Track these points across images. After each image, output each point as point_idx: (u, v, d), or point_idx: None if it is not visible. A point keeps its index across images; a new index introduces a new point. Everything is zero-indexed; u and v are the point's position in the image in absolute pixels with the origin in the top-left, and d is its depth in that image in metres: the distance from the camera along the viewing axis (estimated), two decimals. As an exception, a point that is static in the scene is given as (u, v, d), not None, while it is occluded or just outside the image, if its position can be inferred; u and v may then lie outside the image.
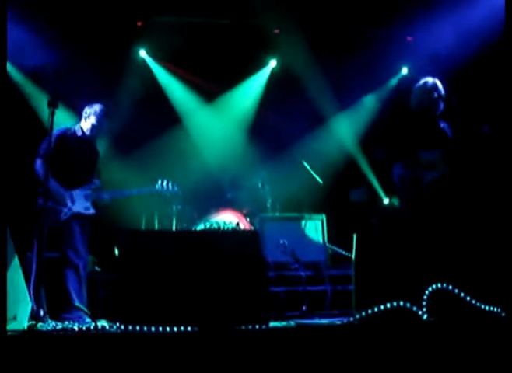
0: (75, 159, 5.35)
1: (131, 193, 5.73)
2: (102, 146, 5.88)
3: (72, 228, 5.14)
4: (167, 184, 5.74)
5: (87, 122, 5.44)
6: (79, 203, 5.24)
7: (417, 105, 5.23)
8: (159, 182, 5.74)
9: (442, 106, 5.17)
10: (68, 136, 5.38)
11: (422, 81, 5.25)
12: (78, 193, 5.27)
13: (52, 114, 4.57)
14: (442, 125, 5.19)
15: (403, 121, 5.25)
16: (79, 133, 5.44)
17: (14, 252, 4.09)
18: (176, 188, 5.79)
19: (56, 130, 5.14)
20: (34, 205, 5.10)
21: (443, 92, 5.14)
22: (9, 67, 7.49)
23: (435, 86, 5.16)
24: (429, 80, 5.22)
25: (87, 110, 5.46)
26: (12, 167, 6.90)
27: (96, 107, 5.46)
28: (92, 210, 5.31)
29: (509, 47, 4.91)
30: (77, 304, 4.90)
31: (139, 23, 7.96)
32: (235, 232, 5.77)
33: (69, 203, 5.17)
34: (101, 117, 5.44)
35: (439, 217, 4.80)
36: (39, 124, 6.99)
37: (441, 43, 7.67)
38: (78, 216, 5.20)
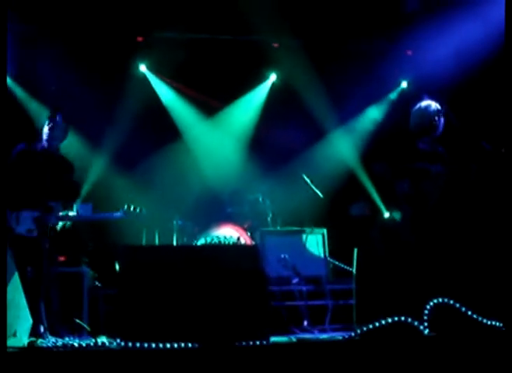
0: (27, 177, 5.03)
1: (93, 217, 5.14)
2: (101, 161, 5.80)
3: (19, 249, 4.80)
4: (134, 210, 5.05)
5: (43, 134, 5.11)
6: (23, 225, 4.91)
7: (416, 127, 5.22)
8: (125, 207, 5.04)
9: (441, 129, 5.18)
10: (26, 151, 5.12)
11: (423, 105, 5.20)
12: (25, 215, 4.93)
13: (53, 126, 4.59)
14: (440, 149, 5.19)
15: (402, 139, 5.27)
16: (39, 147, 5.13)
17: (14, 269, 4.09)
18: (143, 212, 5.09)
19: (18, 145, 5.05)
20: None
21: (441, 111, 5.15)
22: (10, 83, 7.54)
23: (437, 111, 5.14)
24: (432, 104, 5.19)
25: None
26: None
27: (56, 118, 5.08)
28: (31, 231, 4.87)
29: (508, 59, 4.92)
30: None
31: (140, 39, 8.01)
32: (235, 247, 5.76)
33: (13, 225, 4.88)
34: (49, 128, 5.05)
35: (442, 234, 4.79)
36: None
37: (441, 57, 7.70)
38: (20, 237, 4.86)
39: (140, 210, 4.98)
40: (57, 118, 5.00)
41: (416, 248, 4.66)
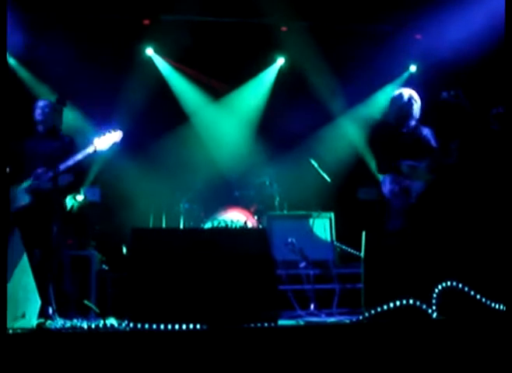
0: (23, 157, 5.27)
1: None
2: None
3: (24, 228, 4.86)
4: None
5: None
6: (19, 199, 5.12)
7: (394, 116, 5.22)
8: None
9: (419, 114, 5.16)
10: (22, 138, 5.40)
11: (397, 93, 5.24)
12: (19, 189, 5.15)
13: (60, 112, 4.60)
14: (425, 132, 5.16)
15: (384, 133, 5.28)
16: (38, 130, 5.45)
17: (23, 251, 4.10)
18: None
19: None
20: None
21: (418, 101, 5.14)
22: (17, 66, 7.53)
23: (410, 97, 5.14)
24: (405, 91, 5.21)
25: None
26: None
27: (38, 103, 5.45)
28: (26, 201, 5.12)
29: (509, 48, 4.88)
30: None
31: (146, 22, 7.97)
32: (243, 230, 5.77)
33: (12, 204, 5.07)
34: (37, 114, 5.39)
35: (450, 218, 4.79)
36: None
37: (449, 41, 7.63)
38: (19, 211, 5.07)
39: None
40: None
41: (425, 232, 4.65)
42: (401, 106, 5.16)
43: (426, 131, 5.18)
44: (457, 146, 4.85)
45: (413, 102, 5.15)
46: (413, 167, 4.96)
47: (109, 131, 5.24)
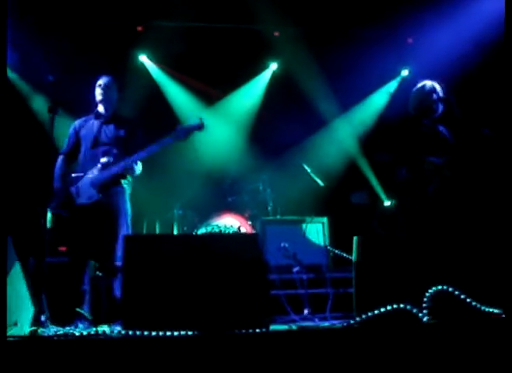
0: (86, 144, 5.09)
1: (151, 150, 5.09)
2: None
3: (76, 224, 4.90)
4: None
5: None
6: (84, 194, 4.94)
7: (415, 107, 5.25)
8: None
9: (441, 108, 5.17)
10: (82, 123, 5.23)
11: (420, 84, 5.27)
12: (84, 182, 4.97)
13: (52, 120, 4.60)
14: (441, 129, 5.19)
15: (406, 126, 5.27)
16: (96, 115, 5.23)
17: (15, 258, 4.11)
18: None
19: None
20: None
21: (441, 94, 5.15)
22: (10, 74, 7.54)
23: (433, 88, 5.17)
24: (428, 82, 5.23)
25: None
26: (14, 173, 6.96)
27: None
28: (95, 198, 4.90)
29: (509, 49, 4.91)
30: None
31: (139, 28, 7.99)
32: (235, 236, 5.77)
33: (73, 200, 4.91)
34: (99, 90, 5.18)
35: (443, 221, 4.81)
36: (41, 131, 7.03)
37: (442, 45, 7.66)
38: (82, 208, 4.92)
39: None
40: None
41: (411, 236, 4.68)
42: (421, 98, 5.18)
43: (443, 128, 5.20)
44: (488, 132, 4.88)
45: (434, 94, 5.16)
46: (436, 165, 4.97)
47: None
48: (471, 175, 5.14)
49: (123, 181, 5.07)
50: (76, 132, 5.21)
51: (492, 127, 4.97)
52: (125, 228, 4.96)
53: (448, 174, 4.99)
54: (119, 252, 4.77)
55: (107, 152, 4.99)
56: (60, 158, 5.14)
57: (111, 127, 5.13)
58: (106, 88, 5.18)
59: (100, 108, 5.22)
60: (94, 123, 5.16)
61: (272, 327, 4.08)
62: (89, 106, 5.67)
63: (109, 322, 4.70)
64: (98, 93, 5.18)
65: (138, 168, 5.08)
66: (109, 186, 4.96)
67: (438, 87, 5.19)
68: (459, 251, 4.30)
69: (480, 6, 7.18)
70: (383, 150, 5.36)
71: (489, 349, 3.57)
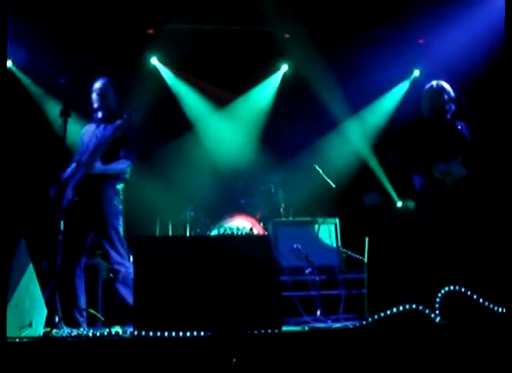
0: (81, 148, 5.16)
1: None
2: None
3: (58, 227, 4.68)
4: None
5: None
6: (66, 197, 4.87)
7: (428, 110, 5.21)
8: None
9: (453, 107, 5.14)
10: (87, 128, 5.29)
11: (428, 85, 5.24)
12: (68, 186, 4.93)
13: (65, 123, 4.63)
14: (459, 126, 5.14)
15: (419, 129, 5.23)
16: (95, 117, 5.29)
17: (29, 260, 4.13)
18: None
19: None
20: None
21: (452, 93, 5.12)
22: (23, 78, 7.61)
23: (442, 88, 5.13)
24: (435, 82, 5.20)
25: None
26: (25, 176, 7.03)
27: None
28: (73, 200, 4.81)
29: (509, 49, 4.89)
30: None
31: (150, 31, 8.02)
32: (246, 237, 5.78)
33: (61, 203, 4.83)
34: (94, 96, 5.22)
35: (459, 221, 4.78)
36: (53, 134, 7.10)
37: (453, 45, 7.63)
38: (65, 211, 4.77)
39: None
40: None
41: (428, 237, 4.65)
42: (432, 99, 5.15)
43: (462, 125, 5.16)
44: (501, 132, 4.84)
45: (444, 94, 5.13)
46: (445, 172, 4.94)
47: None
48: (489, 175, 5.10)
49: (105, 182, 4.98)
50: (81, 138, 5.27)
51: (503, 128, 4.94)
52: (112, 229, 4.89)
53: (463, 175, 4.95)
54: (112, 253, 4.86)
55: (92, 155, 4.95)
56: (71, 167, 5.14)
57: (101, 127, 5.16)
58: (101, 95, 5.22)
59: (98, 113, 5.29)
60: (92, 127, 5.24)
61: (285, 328, 4.07)
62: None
63: (121, 323, 4.71)
64: (94, 100, 5.24)
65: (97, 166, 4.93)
66: (85, 188, 4.88)
67: (447, 86, 5.15)
68: (475, 252, 4.27)
69: (492, 6, 7.13)
70: (394, 151, 5.34)
71: (501, 349, 3.55)
